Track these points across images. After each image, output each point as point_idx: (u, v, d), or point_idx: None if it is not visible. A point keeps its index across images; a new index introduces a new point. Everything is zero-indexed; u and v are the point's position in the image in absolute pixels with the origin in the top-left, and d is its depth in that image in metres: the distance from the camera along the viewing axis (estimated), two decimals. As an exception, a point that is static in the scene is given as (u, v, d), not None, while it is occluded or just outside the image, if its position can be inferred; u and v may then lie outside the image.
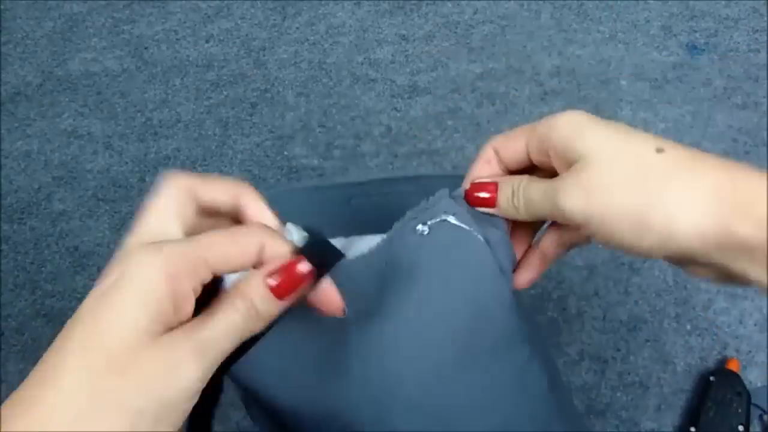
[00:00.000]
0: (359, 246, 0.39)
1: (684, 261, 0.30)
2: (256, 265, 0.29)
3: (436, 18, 0.90)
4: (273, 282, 0.28)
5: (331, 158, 0.79)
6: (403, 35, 0.89)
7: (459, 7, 0.91)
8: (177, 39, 0.91)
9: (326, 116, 0.82)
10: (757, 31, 0.86)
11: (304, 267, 0.29)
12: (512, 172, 0.37)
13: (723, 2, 0.88)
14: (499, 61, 0.85)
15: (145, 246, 0.27)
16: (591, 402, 0.62)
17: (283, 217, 0.38)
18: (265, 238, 0.29)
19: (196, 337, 0.26)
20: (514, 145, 0.37)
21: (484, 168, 0.37)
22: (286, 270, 0.29)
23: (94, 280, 0.78)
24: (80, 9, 0.95)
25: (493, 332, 0.36)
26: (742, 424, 0.58)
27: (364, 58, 0.87)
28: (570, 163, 0.32)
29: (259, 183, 0.78)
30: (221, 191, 0.30)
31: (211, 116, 0.84)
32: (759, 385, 0.61)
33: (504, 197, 0.35)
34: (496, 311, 0.36)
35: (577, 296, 0.67)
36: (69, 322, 0.26)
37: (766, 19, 0.86)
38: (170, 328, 0.27)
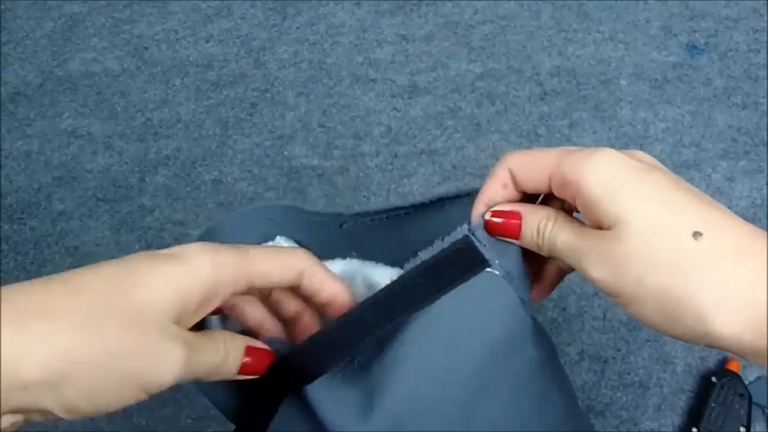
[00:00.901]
0: (373, 275, 0.39)
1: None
2: (295, 287, 0.33)
3: (436, 18, 0.90)
4: (246, 359, 0.32)
5: (331, 158, 0.79)
6: (403, 35, 0.89)
7: (459, 7, 0.91)
8: (177, 39, 0.91)
9: (326, 116, 0.82)
10: (757, 31, 0.86)
11: (270, 359, 0.33)
12: (527, 195, 0.34)
13: (723, 2, 0.88)
14: (499, 61, 0.85)
15: (205, 245, 0.30)
16: (591, 402, 0.62)
17: (273, 230, 0.39)
18: (306, 264, 0.33)
19: (192, 354, 0.29)
20: (534, 173, 0.32)
21: (499, 191, 0.34)
22: (263, 357, 0.33)
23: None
24: (80, 9, 0.95)
25: (514, 364, 0.36)
26: (744, 425, 0.58)
27: (364, 58, 0.87)
28: (599, 221, 0.29)
29: (259, 183, 0.78)
30: (280, 273, 0.33)
31: (211, 116, 0.84)
32: (755, 378, 0.61)
33: (528, 232, 0.33)
34: (517, 343, 0.36)
35: (577, 296, 0.67)
36: (115, 262, 0.29)
37: (766, 19, 0.86)
38: (178, 323, 0.29)
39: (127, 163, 0.81)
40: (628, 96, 0.81)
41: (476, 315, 0.34)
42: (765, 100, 0.79)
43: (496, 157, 0.78)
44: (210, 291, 0.29)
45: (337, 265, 0.40)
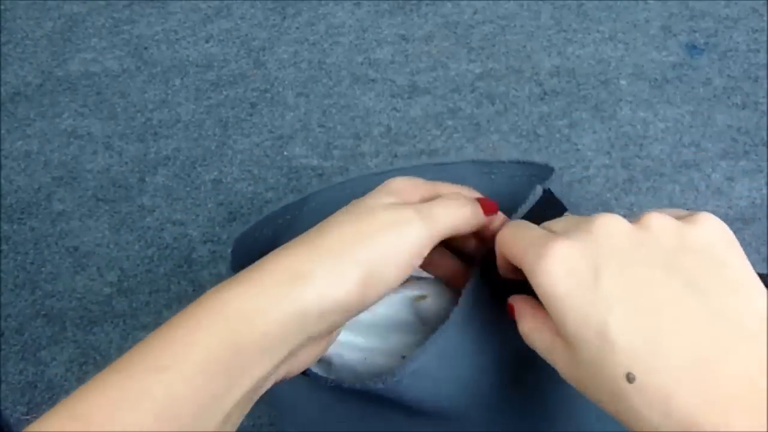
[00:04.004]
0: None
1: None
2: (475, 232, 0.36)
3: (435, 18, 0.90)
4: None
5: (331, 158, 0.79)
6: (403, 35, 0.89)
7: (459, 7, 0.91)
8: (177, 39, 0.91)
9: (326, 116, 0.83)
10: (756, 31, 0.86)
11: (494, 203, 0.36)
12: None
13: (723, 2, 0.88)
14: (498, 61, 0.85)
15: (413, 208, 0.33)
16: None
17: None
18: (476, 208, 0.35)
19: (422, 208, 0.32)
20: (509, 264, 0.33)
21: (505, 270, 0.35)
22: (484, 199, 0.36)
23: (94, 280, 0.79)
24: (80, 9, 0.95)
25: None
26: None
27: (364, 58, 0.87)
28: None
29: (259, 183, 0.78)
30: (465, 226, 0.35)
31: (211, 116, 0.84)
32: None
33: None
34: None
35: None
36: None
37: (765, 19, 0.86)
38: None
39: (127, 163, 0.81)
40: (628, 96, 0.81)
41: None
42: (765, 100, 0.79)
43: (496, 157, 0.78)
44: (409, 188, 0.34)
45: None
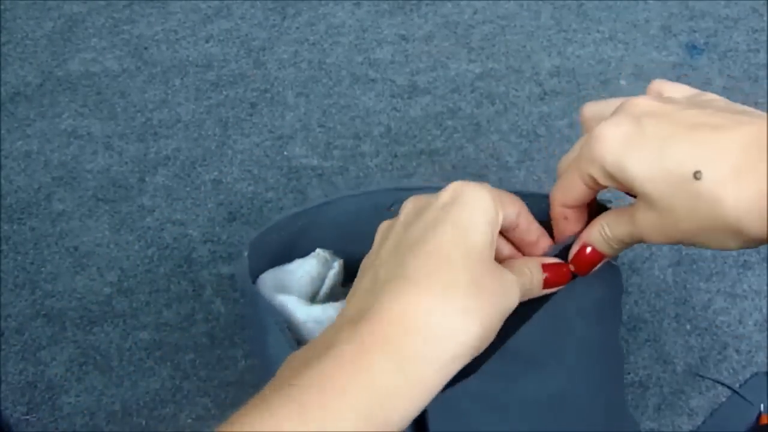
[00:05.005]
0: None
1: None
2: (511, 226, 0.36)
3: (435, 18, 0.90)
4: (546, 273, 0.36)
5: (331, 158, 0.79)
6: (403, 35, 0.89)
7: (459, 7, 0.91)
8: (177, 39, 0.91)
9: (326, 116, 0.83)
10: (756, 31, 0.86)
11: (569, 270, 0.36)
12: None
13: (723, 2, 0.88)
14: (498, 61, 0.85)
15: (466, 182, 0.33)
16: (591, 402, 0.62)
17: (313, 242, 0.39)
18: (521, 204, 0.36)
19: (508, 274, 0.32)
20: (573, 192, 0.36)
21: (566, 226, 0.38)
22: (558, 269, 0.36)
23: (94, 280, 0.79)
24: (80, 9, 0.95)
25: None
26: None
27: (364, 58, 0.87)
28: (631, 191, 0.34)
29: (259, 183, 0.78)
30: (513, 209, 0.36)
31: (211, 116, 0.84)
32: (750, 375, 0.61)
33: (602, 246, 0.37)
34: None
35: (577, 296, 0.67)
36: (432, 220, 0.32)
37: (765, 19, 0.86)
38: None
39: (127, 163, 0.81)
40: (628, 96, 0.81)
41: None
42: (765, 100, 0.79)
43: (496, 157, 0.78)
44: (498, 212, 0.33)
45: None
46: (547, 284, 0.36)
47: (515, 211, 0.36)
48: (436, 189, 0.36)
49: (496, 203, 0.33)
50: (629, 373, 0.63)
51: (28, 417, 0.65)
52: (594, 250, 0.36)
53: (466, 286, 0.29)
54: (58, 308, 0.70)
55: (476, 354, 0.30)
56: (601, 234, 0.36)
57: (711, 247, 0.31)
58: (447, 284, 0.29)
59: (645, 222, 0.33)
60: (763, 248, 0.71)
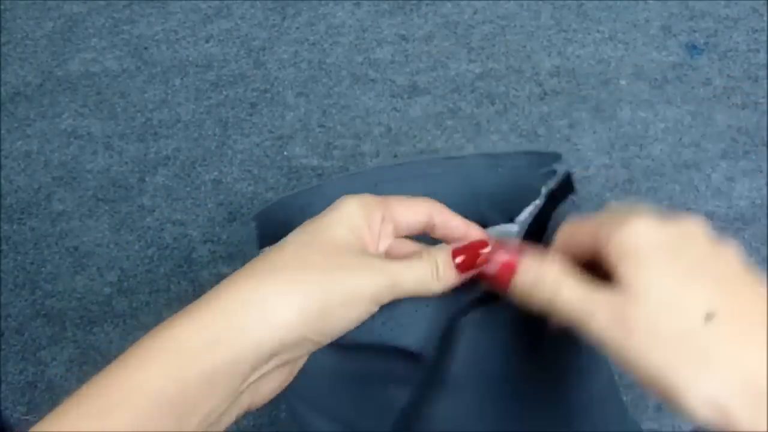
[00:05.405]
0: None
1: None
2: (428, 228, 0.35)
3: (435, 18, 0.90)
4: (458, 259, 0.33)
5: (331, 158, 0.79)
6: (403, 35, 0.89)
7: (459, 7, 0.91)
8: (177, 39, 0.91)
9: (326, 116, 0.83)
10: (756, 31, 0.86)
11: (486, 250, 0.34)
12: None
13: (723, 2, 0.88)
14: (498, 61, 0.85)
15: (349, 196, 0.33)
16: (591, 402, 0.62)
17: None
18: (433, 206, 0.35)
19: (388, 267, 0.32)
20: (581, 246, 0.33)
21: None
22: (470, 249, 0.34)
23: (94, 280, 0.79)
24: (80, 9, 0.95)
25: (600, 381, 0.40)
26: None
27: (364, 58, 0.87)
28: (615, 277, 0.30)
29: (259, 183, 0.78)
30: (414, 213, 0.35)
31: (210, 116, 0.84)
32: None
33: (526, 278, 0.33)
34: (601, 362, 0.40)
35: (577, 296, 0.67)
36: (285, 240, 0.32)
37: (765, 19, 0.86)
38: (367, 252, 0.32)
39: (127, 163, 0.81)
40: (628, 96, 0.81)
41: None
42: (765, 100, 0.79)
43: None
44: (367, 214, 0.33)
45: None
46: (464, 267, 0.33)
47: (413, 215, 0.35)
48: (426, 164, 0.38)
49: (364, 209, 0.33)
50: (629, 374, 0.63)
51: (28, 417, 0.65)
52: (511, 276, 0.33)
53: (293, 268, 0.30)
54: (58, 308, 0.70)
55: (306, 327, 0.29)
56: (545, 285, 0.31)
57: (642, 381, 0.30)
58: (276, 268, 0.30)
59: (611, 306, 0.30)
60: (763, 248, 0.71)
